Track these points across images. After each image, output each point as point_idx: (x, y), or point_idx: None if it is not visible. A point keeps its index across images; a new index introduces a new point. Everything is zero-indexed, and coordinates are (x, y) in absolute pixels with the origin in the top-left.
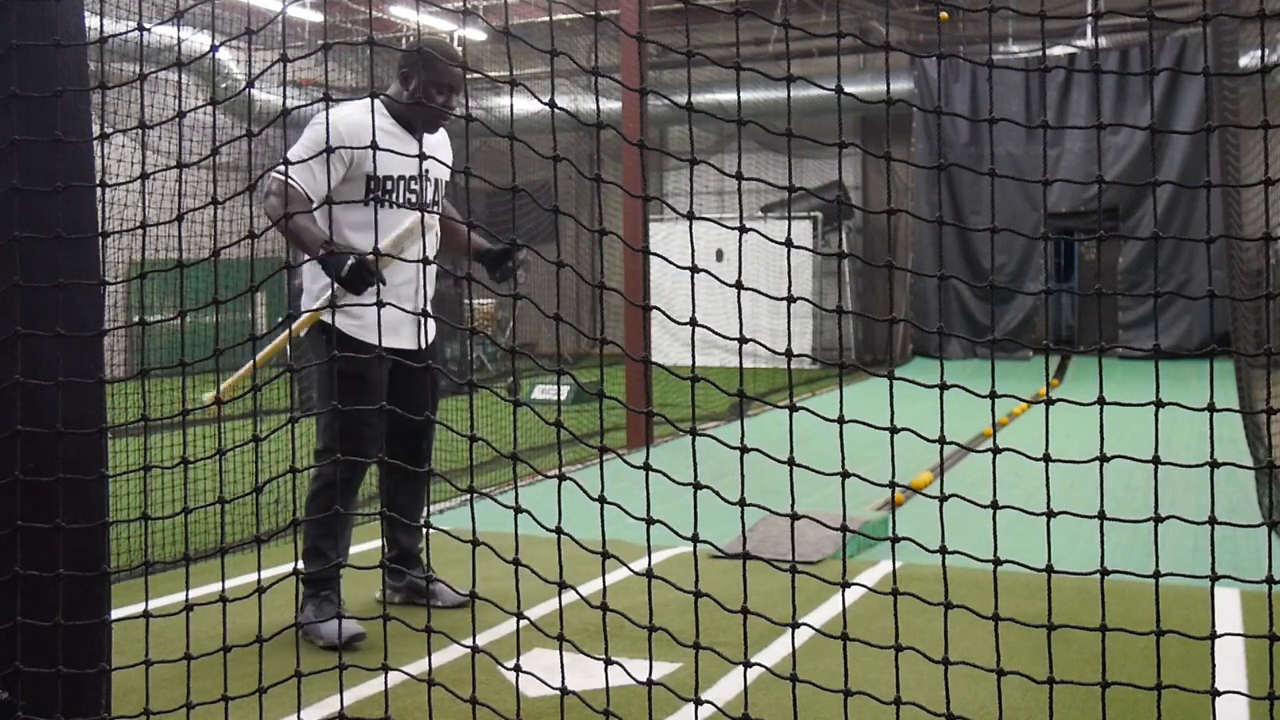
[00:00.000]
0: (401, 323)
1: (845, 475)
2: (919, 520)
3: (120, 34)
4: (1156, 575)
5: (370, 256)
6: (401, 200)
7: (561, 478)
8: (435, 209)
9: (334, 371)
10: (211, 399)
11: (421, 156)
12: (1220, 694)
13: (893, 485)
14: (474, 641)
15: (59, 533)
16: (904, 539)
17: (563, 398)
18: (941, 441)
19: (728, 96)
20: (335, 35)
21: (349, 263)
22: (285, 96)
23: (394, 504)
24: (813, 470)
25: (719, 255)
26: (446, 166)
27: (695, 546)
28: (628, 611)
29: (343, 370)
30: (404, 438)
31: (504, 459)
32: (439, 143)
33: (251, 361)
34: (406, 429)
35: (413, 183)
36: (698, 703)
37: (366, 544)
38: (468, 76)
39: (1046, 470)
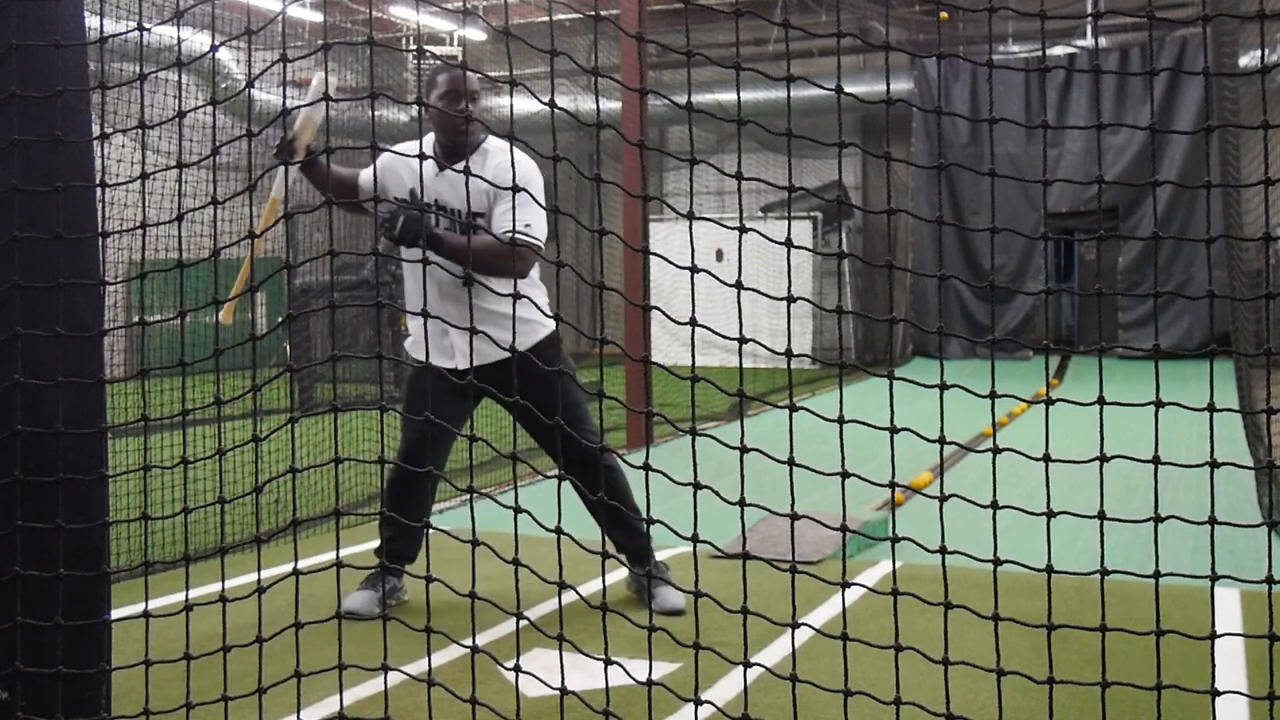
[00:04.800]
0: (441, 345)
1: (845, 475)
2: (919, 520)
3: (120, 34)
4: (1156, 575)
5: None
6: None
7: (561, 478)
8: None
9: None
10: (226, 315)
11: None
12: (1220, 694)
13: (893, 485)
14: (474, 641)
15: (59, 533)
16: (904, 539)
17: None
18: (941, 441)
19: (728, 96)
20: (335, 35)
21: (400, 221)
22: (285, 96)
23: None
24: (813, 470)
25: (719, 255)
26: (473, 199)
27: (695, 546)
28: (628, 611)
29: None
30: (550, 450)
31: (504, 459)
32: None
33: (247, 264)
34: (540, 438)
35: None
36: (698, 703)
37: (368, 543)
38: (466, 75)
39: (1046, 470)
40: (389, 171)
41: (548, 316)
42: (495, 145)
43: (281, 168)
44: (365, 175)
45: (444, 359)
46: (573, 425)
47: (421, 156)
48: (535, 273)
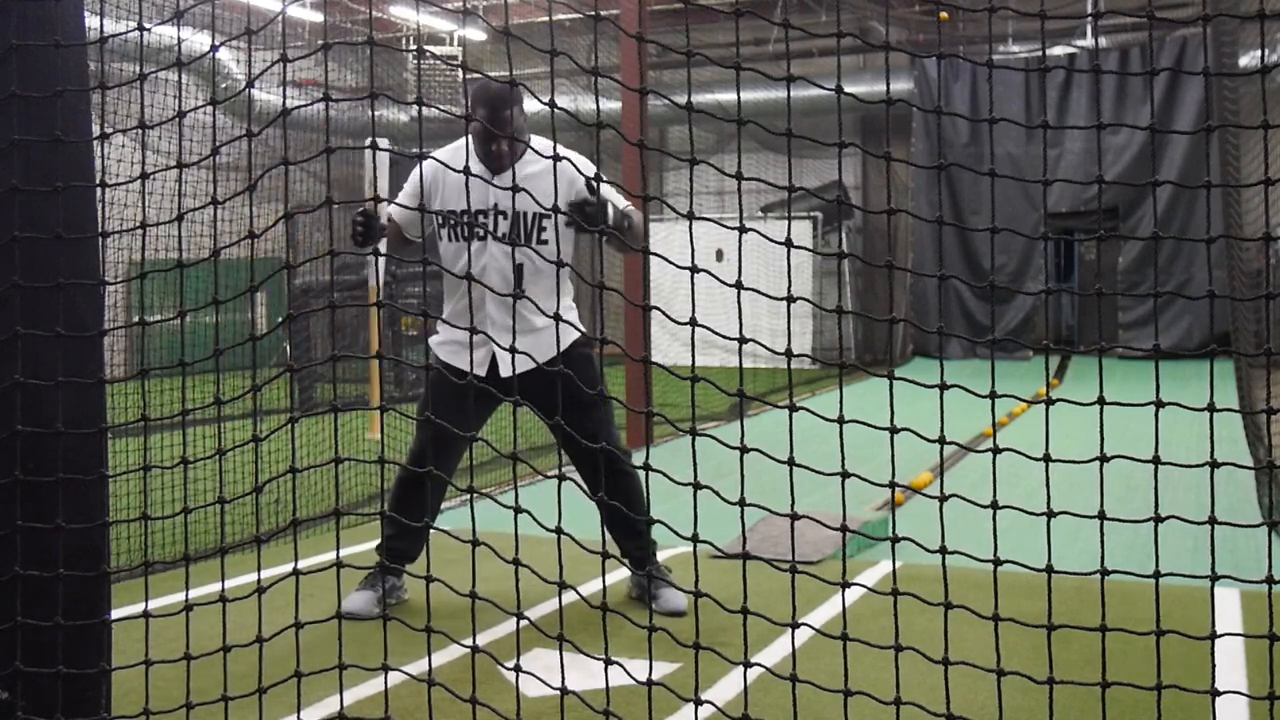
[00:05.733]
0: (468, 347)
1: (845, 475)
2: (919, 520)
3: (120, 34)
4: (1156, 575)
5: (362, 212)
6: (466, 234)
7: (561, 478)
8: (505, 242)
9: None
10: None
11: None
12: (1220, 694)
13: (893, 485)
14: (474, 641)
15: (59, 533)
16: (904, 539)
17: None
18: (941, 441)
19: (728, 96)
20: (335, 35)
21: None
22: (285, 96)
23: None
24: (813, 470)
25: (719, 255)
26: (542, 200)
27: (695, 546)
28: (628, 612)
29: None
30: (571, 453)
31: (504, 459)
32: (534, 176)
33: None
34: (563, 443)
35: (480, 217)
36: (698, 703)
37: (368, 543)
38: (466, 76)
39: (1046, 470)
40: (437, 182)
41: (579, 328)
42: (541, 146)
43: (375, 262)
44: (404, 203)
45: (478, 365)
46: (602, 431)
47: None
48: (566, 274)
